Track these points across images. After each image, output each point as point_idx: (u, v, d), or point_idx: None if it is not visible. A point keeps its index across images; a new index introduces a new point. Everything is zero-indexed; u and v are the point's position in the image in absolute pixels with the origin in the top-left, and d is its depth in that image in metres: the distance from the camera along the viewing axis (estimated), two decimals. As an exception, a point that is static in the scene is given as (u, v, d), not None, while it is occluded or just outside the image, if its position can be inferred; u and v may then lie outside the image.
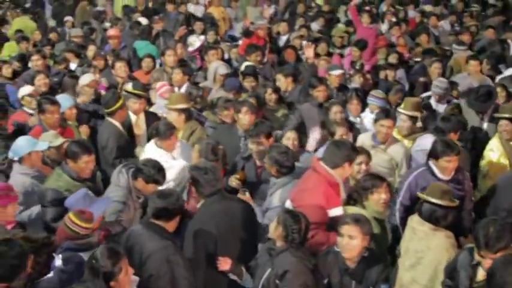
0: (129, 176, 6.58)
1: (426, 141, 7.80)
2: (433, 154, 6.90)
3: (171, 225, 5.65)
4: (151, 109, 9.61)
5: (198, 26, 14.99)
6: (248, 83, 10.34)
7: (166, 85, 10.17)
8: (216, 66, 10.93)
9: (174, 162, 7.61)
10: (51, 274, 5.23)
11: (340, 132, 7.85)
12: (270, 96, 9.67)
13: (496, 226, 5.14)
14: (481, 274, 5.28)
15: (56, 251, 5.42)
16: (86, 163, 6.75)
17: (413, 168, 7.41)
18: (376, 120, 8.05)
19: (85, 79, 9.96)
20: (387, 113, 8.11)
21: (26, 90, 9.34)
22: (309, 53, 12.08)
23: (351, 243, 5.46)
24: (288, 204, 6.28)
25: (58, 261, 5.26)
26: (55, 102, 8.30)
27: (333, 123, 8.14)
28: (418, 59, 13.23)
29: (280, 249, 5.48)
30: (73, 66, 12.14)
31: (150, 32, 14.24)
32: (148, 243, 5.47)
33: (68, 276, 5.17)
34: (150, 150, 7.73)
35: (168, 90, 9.96)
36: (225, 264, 5.81)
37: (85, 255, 5.17)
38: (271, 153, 6.79)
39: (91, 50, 12.86)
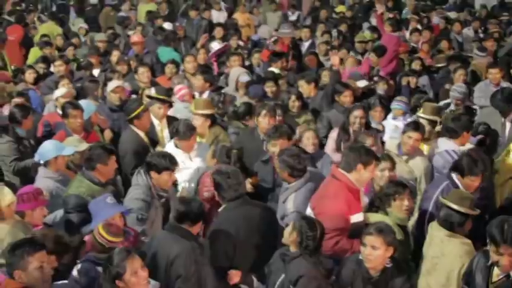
0: (146, 175, 6.63)
1: (441, 144, 7.92)
2: (458, 169, 6.75)
3: (194, 230, 5.68)
4: (169, 112, 9.52)
5: (218, 31, 15.01)
6: (269, 87, 10.35)
7: (185, 88, 10.22)
8: (237, 74, 10.96)
9: (190, 164, 7.71)
10: (66, 281, 5.28)
11: (369, 143, 7.64)
12: (293, 103, 9.59)
13: (510, 222, 5.13)
14: (496, 274, 5.29)
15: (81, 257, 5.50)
16: (113, 164, 6.85)
17: (436, 182, 7.20)
18: (404, 131, 7.95)
19: (111, 85, 9.89)
20: (417, 126, 7.97)
21: (60, 91, 9.42)
22: (334, 60, 12.08)
23: (373, 254, 5.43)
24: (309, 212, 6.23)
25: (74, 271, 5.30)
26: (78, 107, 8.35)
27: (363, 135, 7.96)
28: (441, 65, 13.16)
29: (293, 255, 5.50)
30: (96, 72, 12.21)
31: (175, 39, 14.27)
32: (174, 245, 5.49)
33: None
34: (168, 150, 7.75)
35: (187, 93, 10.05)
36: (234, 277, 5.84)
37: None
38: (282, 157, 6.72)
39: (115, 56, 12.93)
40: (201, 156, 7.85)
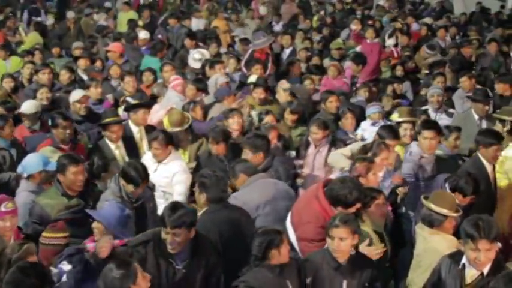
0: (118, 179, 6.56)
1: (413, 148, 8.02)
2: (454, 190, 6.77)
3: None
4: (163, 100, 9.81)
5: (188, 42, 14.75)
6: (257, 94, 10.27)
7: (179, 79, 10.41)
8: (215, 78, 11.00)
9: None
10: (64, 279, 5.26)
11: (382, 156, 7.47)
12: (288, 116, 9.54)
13: (483, 218, 5.18)
14: (470, 275, 5.27)
15: None
16: (74, 174, 6.60)
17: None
18: (418, 132, 8.03)
19: (75, 95, 9.68)
20: (434, 124, 8.11)
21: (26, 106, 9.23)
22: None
23: (341, 245, 5.46)
24: (288, 221, 6.25)
25: (67, 267, 5.30)
26: (68, 118, 8.26)
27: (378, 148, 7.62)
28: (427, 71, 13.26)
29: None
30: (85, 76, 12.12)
31: (162, 49, 14.12)
32: None
33: (81, 276, 5.27)
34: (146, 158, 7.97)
35: (180, 84, 10.25)
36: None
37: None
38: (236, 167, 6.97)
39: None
40: (169, 164, 7.83)
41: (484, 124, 9.61)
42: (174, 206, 5.45)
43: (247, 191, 6.72)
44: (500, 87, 11.23)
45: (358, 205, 6.06)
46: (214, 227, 5.93)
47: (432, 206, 5.97)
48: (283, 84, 10.92)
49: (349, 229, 5.44)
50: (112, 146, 8.34)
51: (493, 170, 7.77)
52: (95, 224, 5.72)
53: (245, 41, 15.22)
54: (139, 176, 6.43)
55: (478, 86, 11.19)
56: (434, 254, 5.78)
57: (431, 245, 5.90)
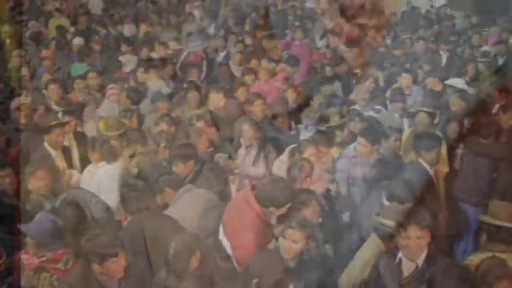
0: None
1: (349, 148, 8.14)
2: (390, 198, 6.62)
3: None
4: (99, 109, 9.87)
5: (124, 48, 14.72)
6: (192, 97, 10.28)
7: (116, 89, 10.42)
8: (159, 87, 10.98)
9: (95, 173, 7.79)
10: None
11: (308, 152, 7.55)
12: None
13: (416, 208, 5.44)
14: (406, 269, 5.35)
15: None
16: (1, 178, 6.76)
17: None
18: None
19: (15, 103, 9.73)
20: (370, 132, 8.16)
21: None
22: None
23: (292, 247, 5.50)
24: (221, 233, 6.18)
25: None
26: None
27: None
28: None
29: None
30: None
31: (89, 54, 14.04)
32: None
33: None
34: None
35: (115, 93, 10.29)
36: None
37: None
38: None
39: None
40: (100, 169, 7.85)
41: (405, 122, 9.88)
42: (97, 235, 5.23)
43: (178, 208, 6.57)
44: (430, 81, 11.59)
45: (289, 204, 6.04)
46: (135, 237, 5.88)
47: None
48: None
49: (304, 233, 5.49)
50: (53, 153, 8.23)
51: (435, 173, 7.72)
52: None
53: (164, 44, 15.14)
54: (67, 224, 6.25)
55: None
56: (363, 248, 5.88)
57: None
